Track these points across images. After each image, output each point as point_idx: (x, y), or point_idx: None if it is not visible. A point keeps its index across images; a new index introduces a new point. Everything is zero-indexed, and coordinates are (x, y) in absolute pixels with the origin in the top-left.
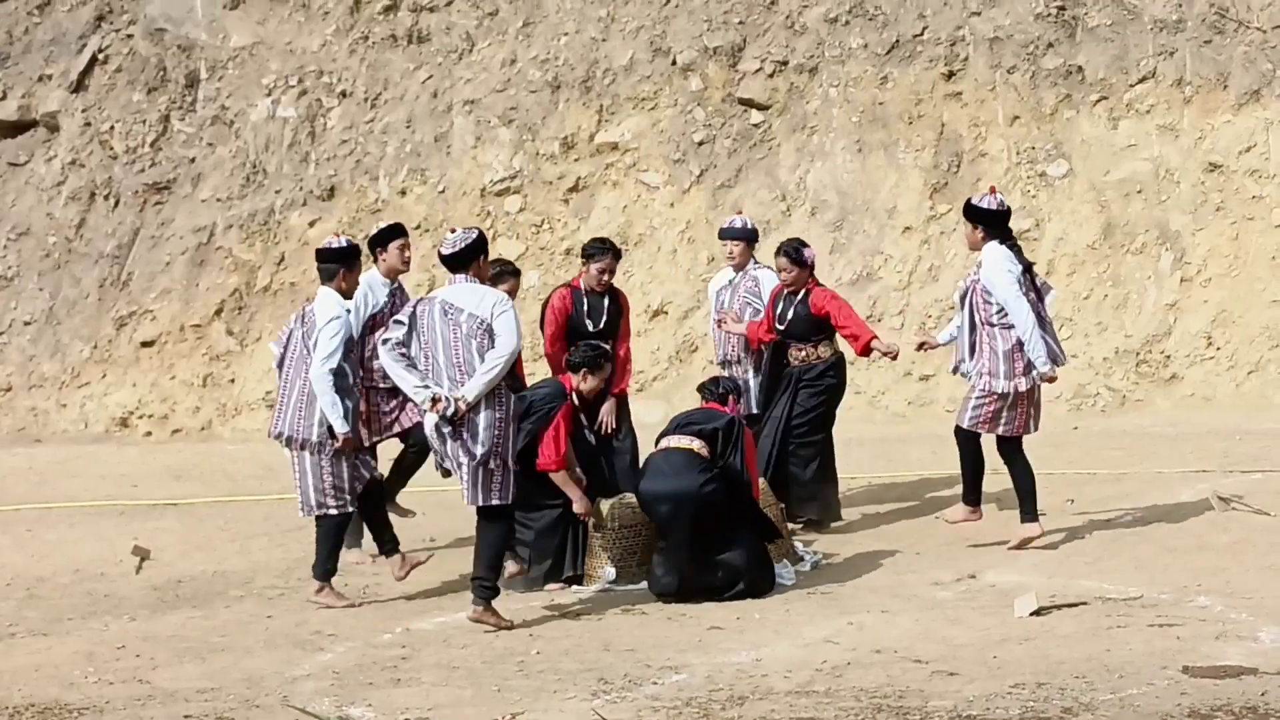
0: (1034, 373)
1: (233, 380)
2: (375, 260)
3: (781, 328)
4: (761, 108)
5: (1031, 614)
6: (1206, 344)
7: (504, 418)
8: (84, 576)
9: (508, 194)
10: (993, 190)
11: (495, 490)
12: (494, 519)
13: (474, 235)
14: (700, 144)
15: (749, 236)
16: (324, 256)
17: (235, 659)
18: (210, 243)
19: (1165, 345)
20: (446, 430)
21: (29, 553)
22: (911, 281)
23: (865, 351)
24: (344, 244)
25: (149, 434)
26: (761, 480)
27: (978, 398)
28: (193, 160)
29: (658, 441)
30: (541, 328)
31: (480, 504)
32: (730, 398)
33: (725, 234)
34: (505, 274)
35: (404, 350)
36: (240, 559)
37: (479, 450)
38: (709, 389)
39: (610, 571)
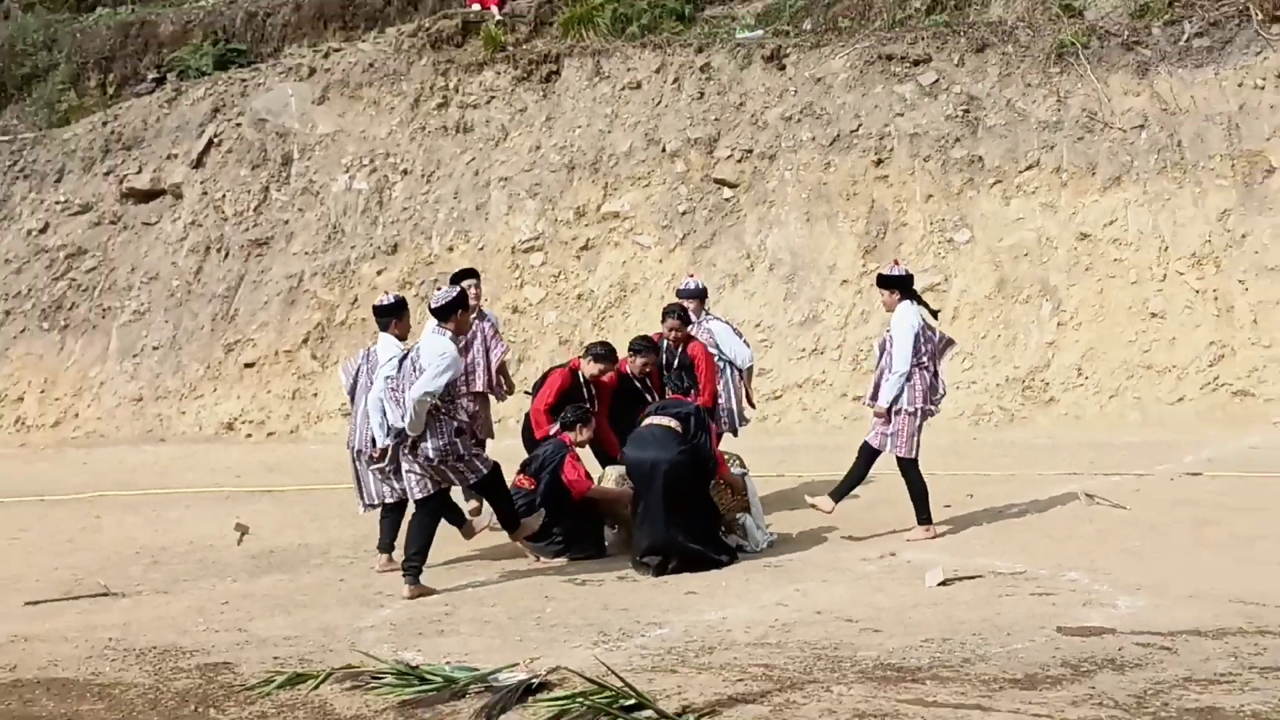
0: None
1: (315, 394)
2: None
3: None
4: (732, 185)
5: (939, 584)
6: (1077, 374)
7: (449, 438)
8: (196, 547)
9: (532, 251)
10: (895, 262)
11: (426, 486)
12: (483, 485)
13: (454, 293)
14: (683, 213)
15: (700, 294)
16: (378, 312)
17: (314, 613)
18: (299, 286)
19: (1045, 375)
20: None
21: (154, 528)
22: (847, 323)
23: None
24: (392, 300)
25: (249, 436)
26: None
27: (901, 429)
28: (286, 222)
29: (641, 421)
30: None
31: (417, 498)
32: (691, 391)
33: (682, 294)
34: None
35: (395, 392)
36: (319, 535)
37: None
38: (602, 351)
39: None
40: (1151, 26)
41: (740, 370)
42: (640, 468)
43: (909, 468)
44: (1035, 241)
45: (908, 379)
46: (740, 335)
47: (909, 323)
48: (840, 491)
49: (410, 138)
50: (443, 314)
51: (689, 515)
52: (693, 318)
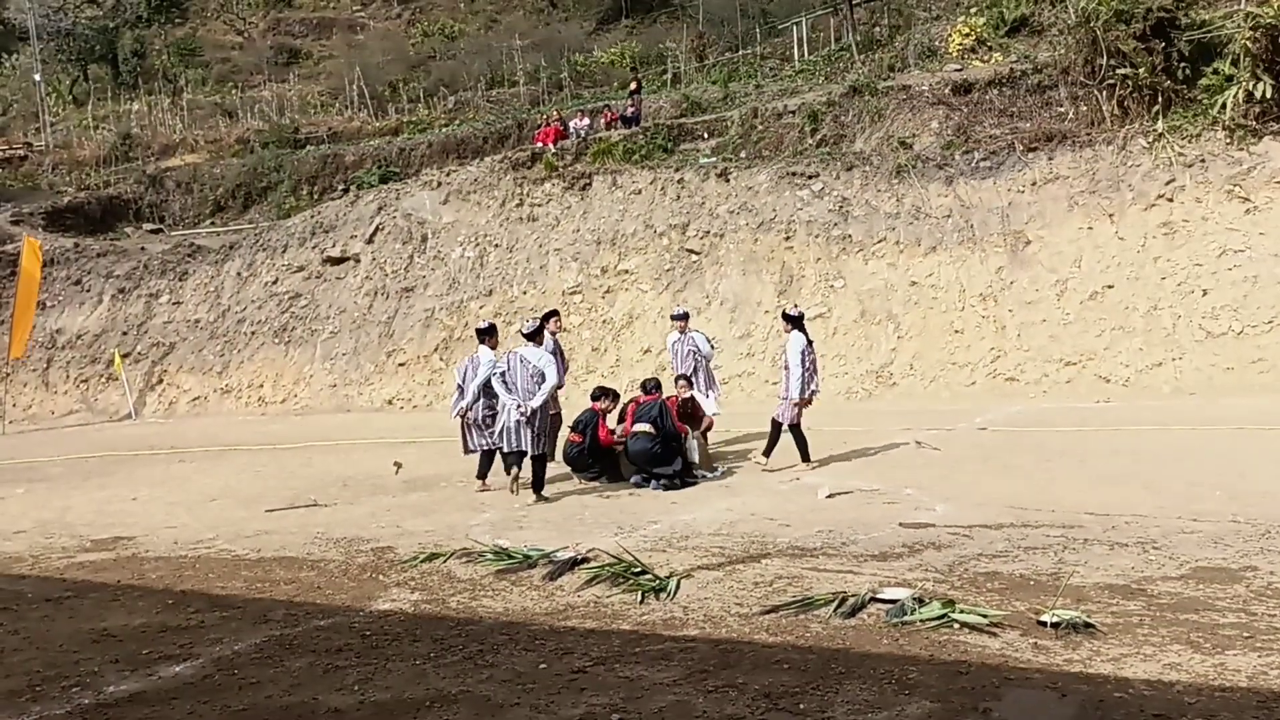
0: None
1: (442, 382)
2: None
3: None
4: (697, 253)
5: (826, 497)
6: (910, 368)
7: (544, 417)
8: (369, 475)
9: (575, 294)
10: (794, 305)
11: (540, 445)
12: (536, 460)
13: (539, 320)
14: (667, 270)
15: (686, 316)
16: (479, 334)
17: (444, 516)
18: (432, 316)
19: (890, 368)
20: (521, 421)
21: (343, 464)
22: (769, 337)
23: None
24: (485, 325)
25: (401, 408)
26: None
27: (785, 408)
28: (423, 276)
29: (635, 423)
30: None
31: (532, 453)
32: (656, 390)
33: (675, 316)
34: (603, 395)
35: (504, 378)
36: (446, 467)
37: (537, 429)
38: (644, 386)
39: (636, 478)
40: (955, 154)
41: (708, 361)
42: (636, 457)
43: (795, 430)
44: (884, 287)
45: (801, 378)
46: (710, 342)
47: (797, 346)
48: (769, 450)
49: (499, 224)
50: (531, 336)
51: (667, 463)
52: (678, 333)
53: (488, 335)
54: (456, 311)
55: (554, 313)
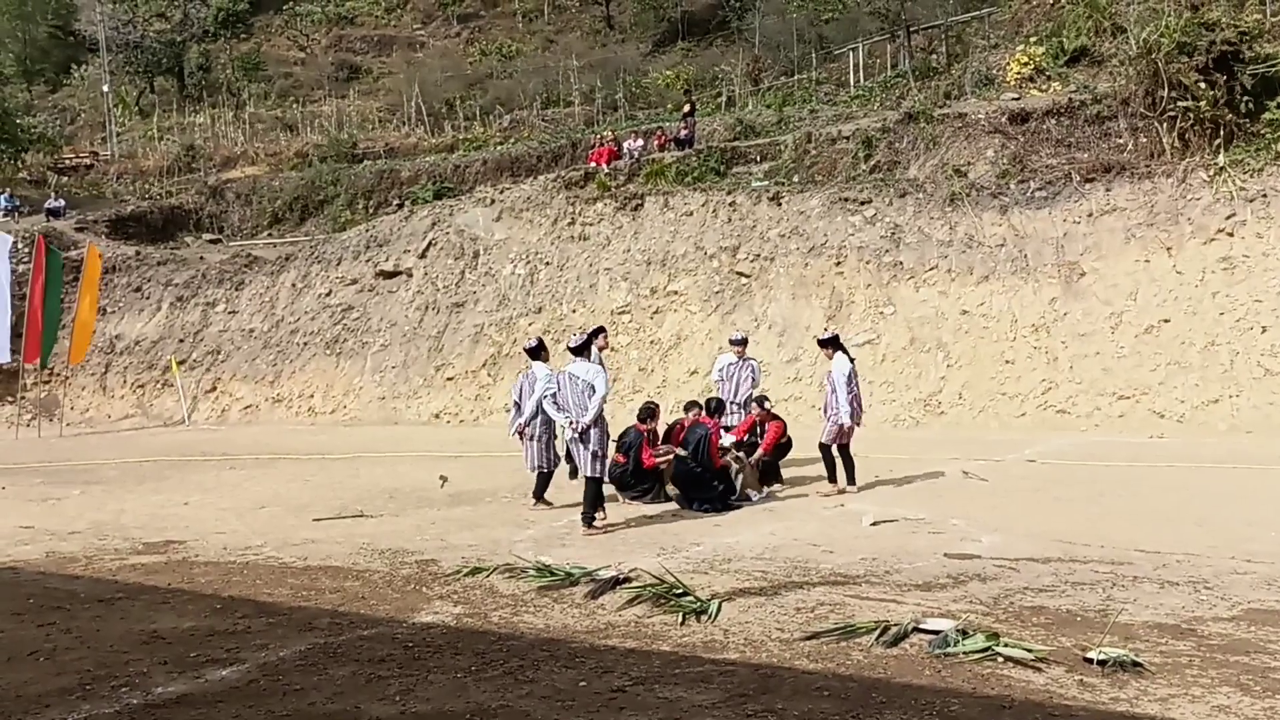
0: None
1: (490, 398)
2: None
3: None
4: (747, 276)
5: (871, 525)
6: (959, 397)
7: (603, 432)
8: (416, 488)
9: (624, 313)
10: (825, 328)
11: (597, 468)
12: (592, 483)
13: (587, 335)
14: (716, 292)
15: (744, 341)
16: (529, 352)
17: (488, 530)
18: (481, 332)
19: (939, 397)
20: (578, 437)
21: (391, 476)
22: (816, 361)
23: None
24: (534, 342)
25: (448, 422)
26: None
27: (829, 428)
28: (474, 291)
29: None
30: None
31: (589, 475)
32: (713, 412)
33: (735, 341)
34: (649, 416)
35: (555, 399)
36: (492, 482)
37: (593, 448)
38: (696, 404)
39: (679, 499)
40: (1010, 183)
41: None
42: (679, 476)
43: (844, 451)
44: (934, 314)
45: (849, 400)
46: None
47: (842, 369)
48: (831, 474)
49: (551, 243)
50: (578, 350)
51: (704, 486)
52: (736, 358)
53: (540, 351)
54: (506, 328)
55: (601, 329)
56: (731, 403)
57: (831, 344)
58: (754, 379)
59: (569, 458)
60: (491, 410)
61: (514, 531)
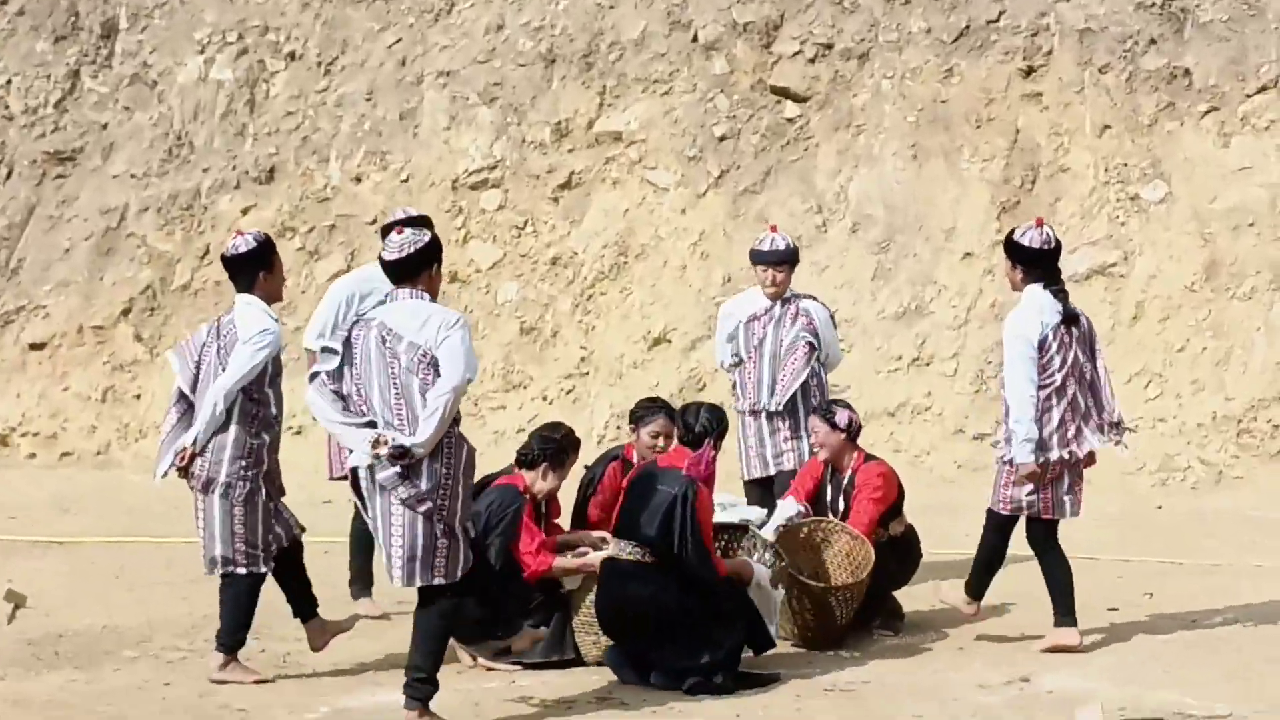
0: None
1: (138, 395)
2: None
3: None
4: (798, 99)
5: None
6: None
7: (453, 473)
8: None
9: (485, 187)
10: (1039, 223)
11: (439, 566)
12: (435, 601)
13: (426, 238)
14: (722, 139)
15: (792, 259)
16: (232, 264)
17: None
18: (120, 228)
19: (1274, 412)
20: (384, 478)
21: None
22: (970, 319)
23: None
24: (254, 242)
25: (33, 455)
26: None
27: (1000, 470)
28: (104, 127)
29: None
30: (588, 493)
31: (418, 585)
32: (686, 432)
33: (762, 258)
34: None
35: (335, 386)
36: (136, 612)
37: (426, 505)
38: (649, 417)
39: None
40: None
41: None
42: (611, 615)
43: (1002, 530)
44: (1268, 204)
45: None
46: (835, 329)
47: (1026, 318)
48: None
49: (302, 3)
50: (409, 268)
51: (689, 630)
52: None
53: (261, 267)
54: (183, 217)
55: (420, 222)
56: (760, 409)
57: (1028, 260)
58: (819, 352)
59: (358, 535)
60: (143, 427)
61: None
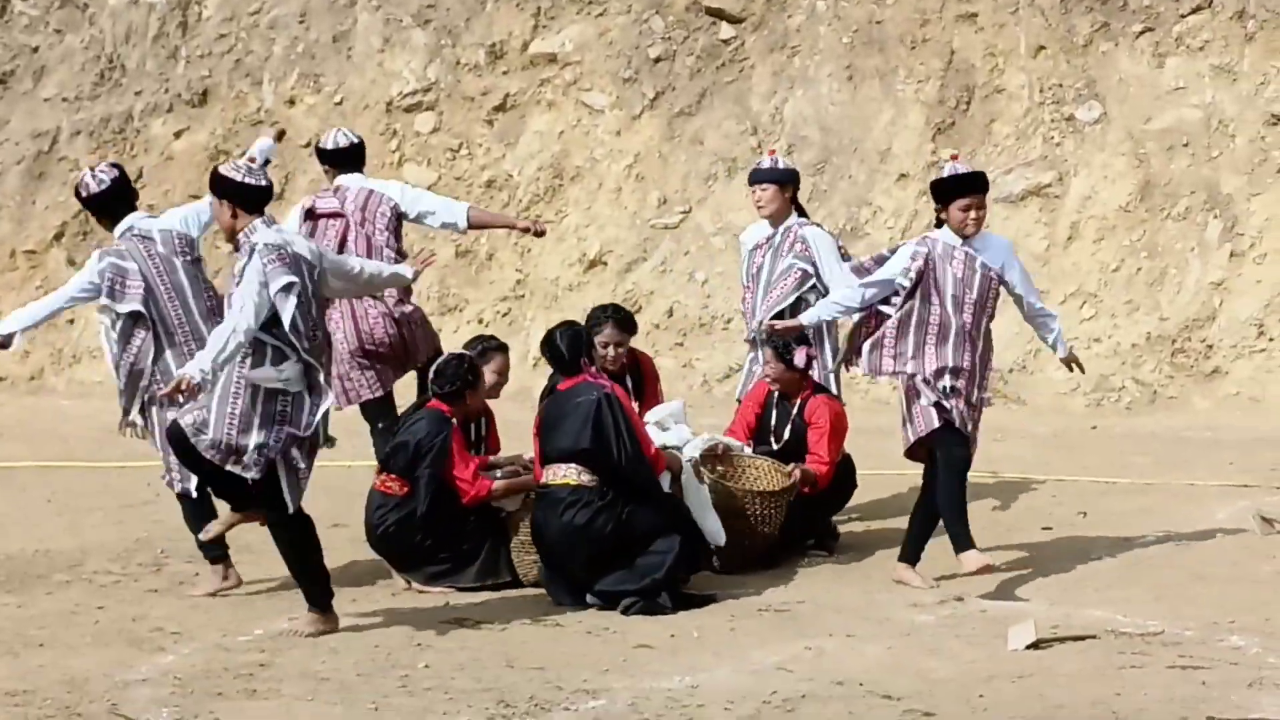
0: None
1: (71, 321)
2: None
3: (776, 445)
4: (733, 20)
5: (1028, 647)
6: (1258, 333)
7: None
8: None
9: (419, 110)
10: (954, 157)
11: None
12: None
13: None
14: (657, 60)
15: (783, 178)
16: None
17: (56, 656)
18: (52, 151)
19: (1208, 332)
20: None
21: None
22: (905, 240)
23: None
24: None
25: None
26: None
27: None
28: (35, 50)
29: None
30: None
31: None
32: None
33: (749, 178)
34: (490, 350)
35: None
36: (68, 537)
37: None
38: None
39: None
40: None
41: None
42: (555, 536)
43: (949, 471)
44: (1201, 125)
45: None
46: (847, 258)
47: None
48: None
49: None
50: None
51: (623, 544)
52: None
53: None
54: (116, 141)
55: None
56: (750, 339)
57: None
58: (816, 255)
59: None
60: (76, 353)
61: (123, 658)
